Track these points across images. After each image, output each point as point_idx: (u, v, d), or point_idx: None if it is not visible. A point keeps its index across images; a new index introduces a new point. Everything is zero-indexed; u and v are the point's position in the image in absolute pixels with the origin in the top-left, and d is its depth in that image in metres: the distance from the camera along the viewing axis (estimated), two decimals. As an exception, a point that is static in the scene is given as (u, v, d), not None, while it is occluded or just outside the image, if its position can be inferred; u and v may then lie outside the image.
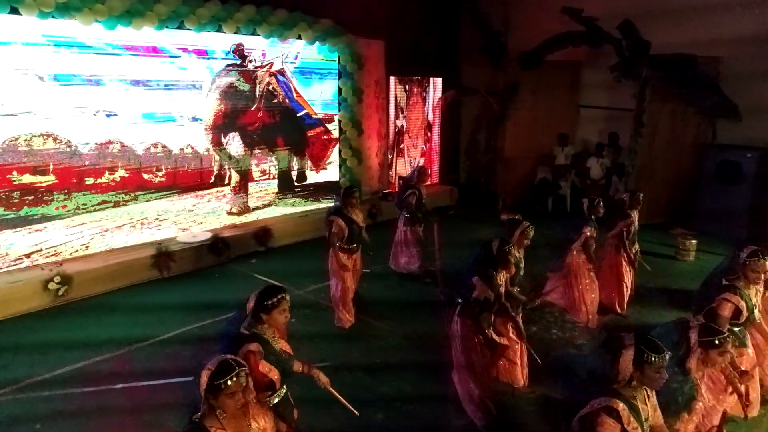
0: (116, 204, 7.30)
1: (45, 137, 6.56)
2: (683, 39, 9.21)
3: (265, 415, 2.81)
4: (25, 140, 6.44)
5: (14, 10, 5.91)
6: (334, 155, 10.05)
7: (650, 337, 2.61)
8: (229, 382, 2.34)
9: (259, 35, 8.12)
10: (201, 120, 8.06)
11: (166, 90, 7.59)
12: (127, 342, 5.48)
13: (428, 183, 7.39)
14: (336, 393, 3.32)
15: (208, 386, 2.36)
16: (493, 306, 4.12)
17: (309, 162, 9.72)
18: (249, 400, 2.49)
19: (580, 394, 2.64)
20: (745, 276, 3.89)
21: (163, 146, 7.70)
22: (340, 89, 9.68)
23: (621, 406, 2.47)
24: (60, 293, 6.33)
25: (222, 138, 8.37)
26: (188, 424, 2.43)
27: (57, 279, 6.30)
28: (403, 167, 11.57)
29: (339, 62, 9.54)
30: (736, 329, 3.75)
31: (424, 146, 11.95)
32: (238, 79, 8.41)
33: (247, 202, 8.85)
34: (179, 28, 7.28)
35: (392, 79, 10.84)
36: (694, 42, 9.08)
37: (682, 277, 7.30)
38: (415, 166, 7.60)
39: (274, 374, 2.90)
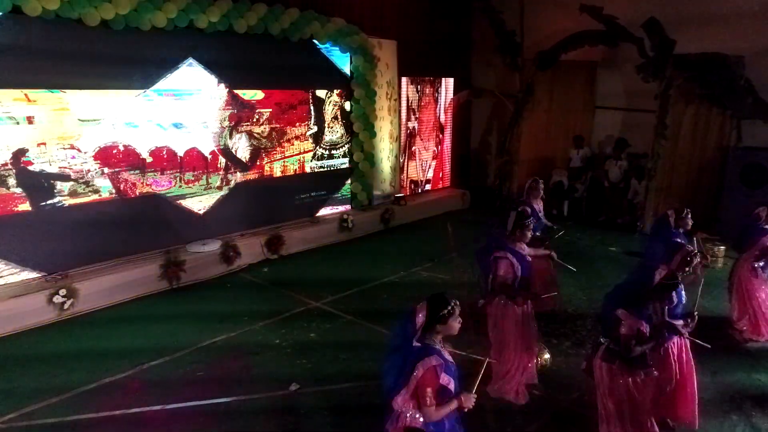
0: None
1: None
2: (703, 38, 8.99)
3: None
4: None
5: (16, 9, 5.60)
6: (343, 160, 9.73)
7: None
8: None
9: (271, 34, 7.79)
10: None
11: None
12: (139, 360, 5.16)
13: (540, 197, 6.28)
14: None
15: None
16: (649, 342, 3.53)
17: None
18: None
19: None
20: None
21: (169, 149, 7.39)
22: (352, 90, 9.37)
23: None
24: (66, 306, 6.02)
25: (228, 141, 8.03)
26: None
27: (62, 292, 5.98)
28: (414, 170, 11.28)
29: (351, 62, 9.22)
30: None
31: (435, 149, 11.65)
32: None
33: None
34: (188, 27, 6.97)
35: (404, 79, 10.55)
36: (714, 41, 8.85)
37: (714, 285, 6.99)
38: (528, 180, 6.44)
39: (453, 384, 2.81)
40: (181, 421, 4.32)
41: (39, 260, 6.29)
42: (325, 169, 9.44)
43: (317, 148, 9.26)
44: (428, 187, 11.67)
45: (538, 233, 5.87)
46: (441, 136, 11.73)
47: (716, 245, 7.94)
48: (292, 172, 8.96)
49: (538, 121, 10.90)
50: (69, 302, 6.03)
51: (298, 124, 8.85)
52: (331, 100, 9.29)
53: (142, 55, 6.79)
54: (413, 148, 11.17)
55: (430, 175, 11.69)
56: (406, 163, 11.05)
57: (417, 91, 10.98)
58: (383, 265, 7.91)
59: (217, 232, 7.84)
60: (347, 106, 9.47)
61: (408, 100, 10.81)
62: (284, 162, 8.82)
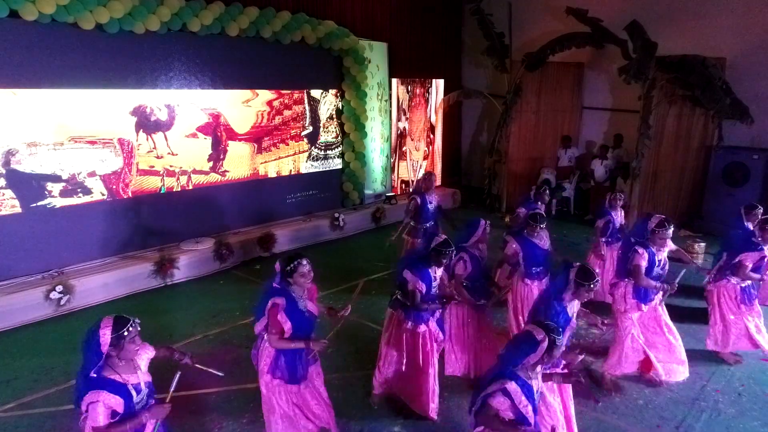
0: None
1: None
2: (686, 40, 9.22)
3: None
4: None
5: (13, 13, 5.77)
6: (336, 161, 9.92)
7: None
8: (130, 329, 2.85)
9: (262, 37, 7.97)
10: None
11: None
12: (133, 353, 5.33)
13: (435, 187, 6.69)
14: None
15: (111, 340, 2.79)
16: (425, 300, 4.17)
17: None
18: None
19: None
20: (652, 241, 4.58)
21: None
22: (343, 91, 9.55)
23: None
24: (62, 302, 6.20)
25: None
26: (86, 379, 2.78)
27: (59, 288, 6.16)
28: (405, 170, 11.47)
29: (342, 64, 9.39)
30: None
31: (426, 149, 11.84)
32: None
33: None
34: (181, 30, 7.14)
35: (395, 80, 10.73)
36: (697, 43, 9.07)
37: (694, 279, 7.19)
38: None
39: (287, 325, 3.42)
40: (173, 410, 4.46)
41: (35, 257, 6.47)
42: (320, 170, 9.64)
43: (312, 148, 9.46)
44: (419, 186, 11.84)
45: (431, 224, 6.71)
46: (432, 136, 11.92)
47: (697, 242, 8.15)
48: (287, 173, 9.16)
49: (527, 121, 11.09)
50: (65, 298, 6.21)
51: (292, 124, 9.06)
52: (327, 100, 9.48)
53: (136, 58, 6.97)
54: (404, 148, 11.36)
55: (421, 174, 11.87)
56: (396, 163, 11.24)
57: (408, 92, 11.17)
58: (373, 262, 8.09)
59: (211, 230, 8.04)
60: (341, 106, 9.66)
61: (399, 101, 11.00)
62: (279, 162, 9.02)
